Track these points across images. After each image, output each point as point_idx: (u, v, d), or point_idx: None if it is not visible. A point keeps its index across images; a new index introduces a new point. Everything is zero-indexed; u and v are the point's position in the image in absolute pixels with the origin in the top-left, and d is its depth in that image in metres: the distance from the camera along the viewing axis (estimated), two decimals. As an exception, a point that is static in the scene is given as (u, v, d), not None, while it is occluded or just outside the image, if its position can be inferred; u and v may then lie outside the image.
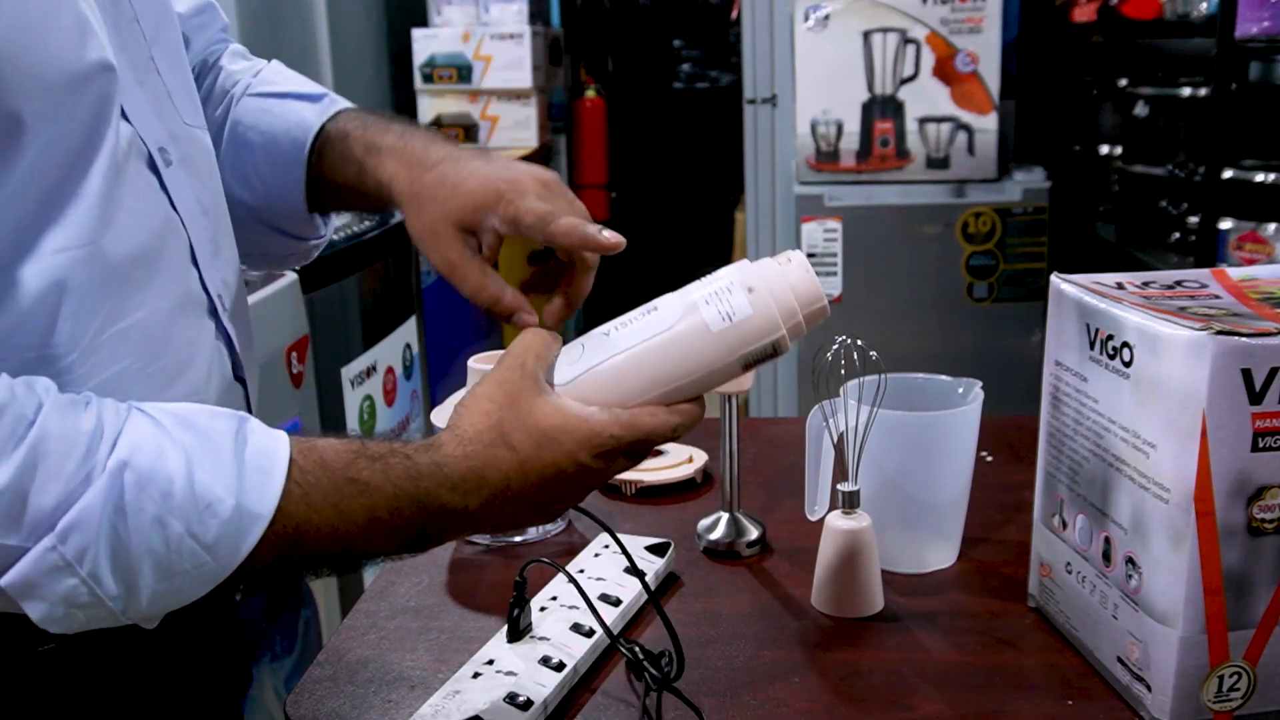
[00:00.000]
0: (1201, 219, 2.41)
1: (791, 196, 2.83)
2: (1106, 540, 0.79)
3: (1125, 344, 0.75)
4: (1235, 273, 0.82)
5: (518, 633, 0.84)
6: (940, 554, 0.98)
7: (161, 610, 0.62)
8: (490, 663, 0.81)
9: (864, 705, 0.79)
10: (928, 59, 2.70)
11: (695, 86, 5.71)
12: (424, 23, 3.54)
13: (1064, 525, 0.84)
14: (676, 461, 1.18)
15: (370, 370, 2.16)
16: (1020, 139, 3.01)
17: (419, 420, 2.43)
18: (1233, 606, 0.72)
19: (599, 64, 5.10)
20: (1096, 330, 0.78)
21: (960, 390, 0.96)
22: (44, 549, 0.57)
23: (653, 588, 0.94)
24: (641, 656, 0.80)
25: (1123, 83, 2.98)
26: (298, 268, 1.82)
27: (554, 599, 0.89)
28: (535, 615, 0.86)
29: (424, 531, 0.66)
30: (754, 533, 1.02)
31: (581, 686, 0.82)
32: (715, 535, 1.02)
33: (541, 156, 3.65)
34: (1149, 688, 0.75)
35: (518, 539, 1.06)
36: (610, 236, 0.73)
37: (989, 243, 2.74)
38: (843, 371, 0.89)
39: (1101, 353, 0.78)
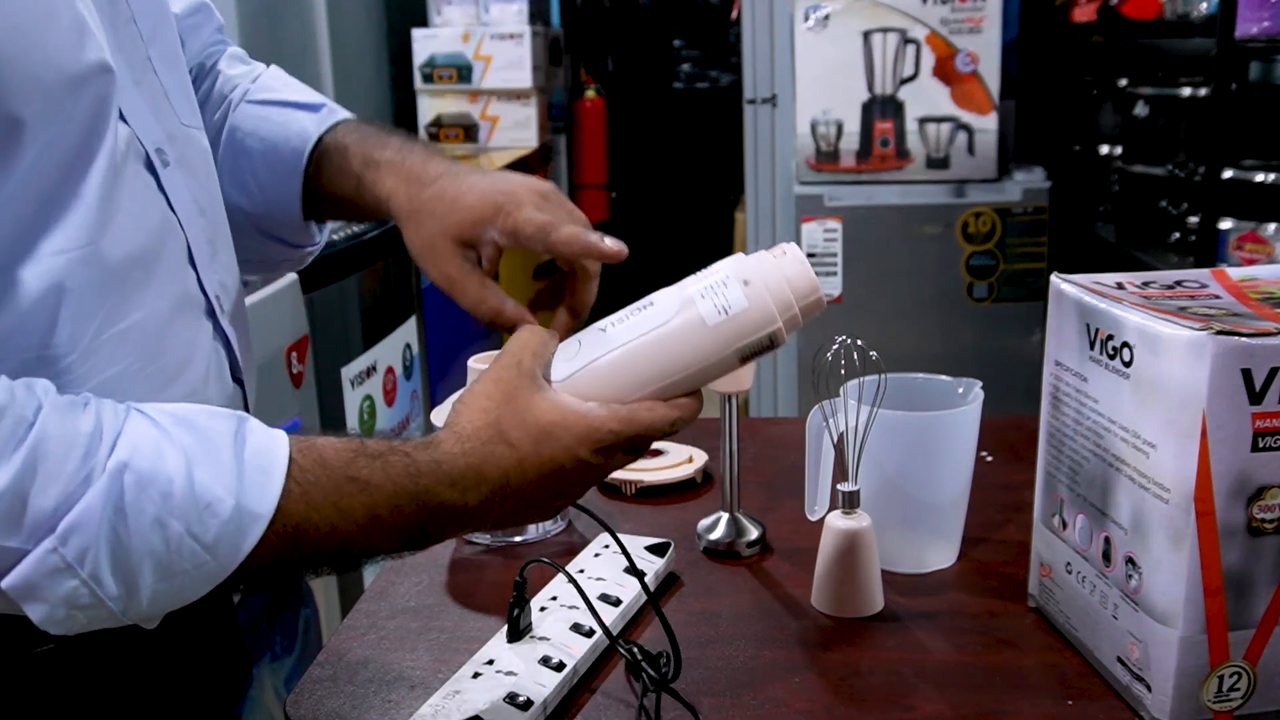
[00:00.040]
0: (1201, 219, 2.41)
1: (791, 196, 2.83)
2: (1106, 540, 0.79)
3: (1125, 344, 0.75)
4: (1235, 273, 0.82)
5: (518, 633, 0.84)
6: (940, 554, 0.98)
7: (162, 610, 0.62)
8: (490, 663, 0.81)
9: (864, 705, 0.79)
10: (928, 59, 2.70)
11: (695, 86, 5.71)
12: (424, 23, 3.54)
13: (1064, 525, 0.84)
14: (676, 461, 1.18)
15: (370, 370, 2.16)
16: (1020, 139, 3.01)
17: (419, 420, 2.43)
18: (1233, 606, 0.72)
19: (599, 64, 5.10)
20: (1096, 330, 0.78)
21: (960, 390, 0.96)
22: (45, 551, 0.57)
23: (653, 588, 0.94)
24: (640, 657, 0.80)
25: (1123, 83, 2.98)
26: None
27: (554, 599, 0.89)
28: (535, 615, 0.86)
29: (424, 529, 0.66)
30: (754, 533, 1.02)
31: (581, 686, 0.82)
32: (715, 535, 1.02)
33: (541, 156, 3.65)
34: (1149, 688, 0.75)
35: (518, 539, 1.06)
36: (612, 244, 0.73)
37: (989, 243, 2.74)
38: (843, 371, 0.89)
39: (1101, 353, 0.78)
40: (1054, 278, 0.84)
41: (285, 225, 0.93)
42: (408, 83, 3.54)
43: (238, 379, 0.81)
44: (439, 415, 0.94)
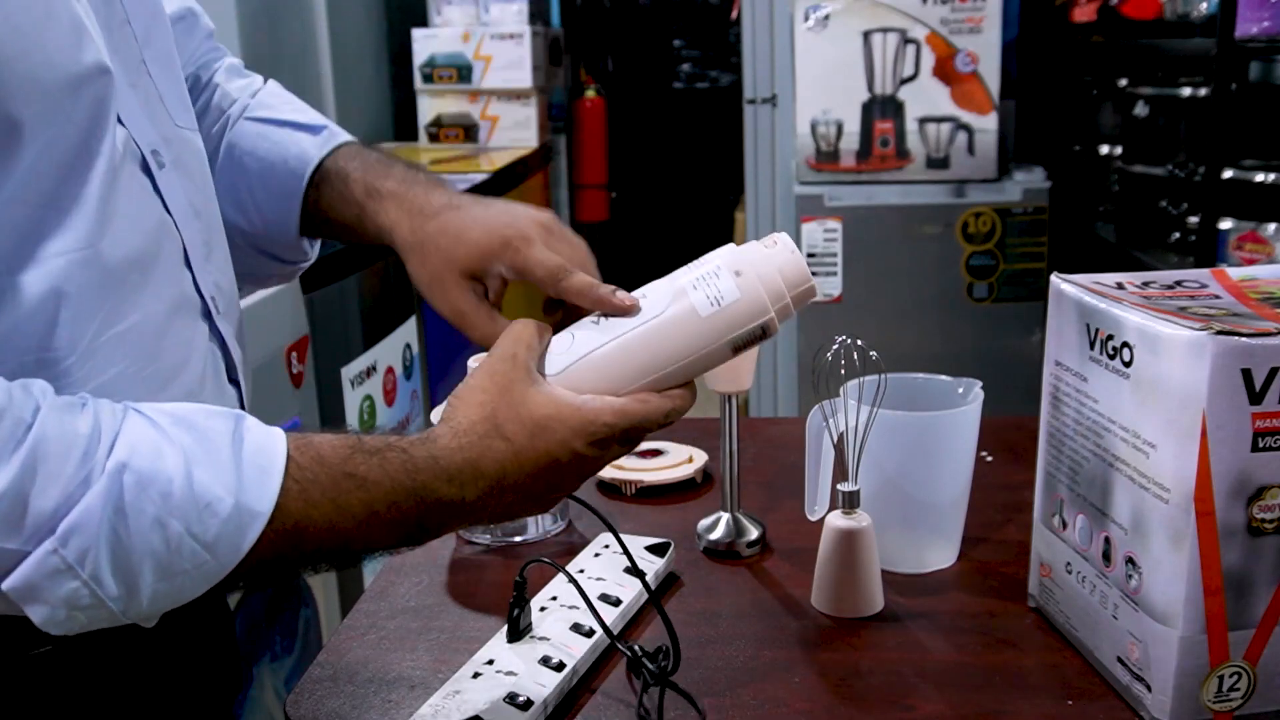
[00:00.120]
0: (1201, 219, 2.41)
1: (791, 196, 2.83)
2: (1106, 540, 0.79)
3: (1125, 344, 0.75)
4: (1235, 273, 0.82)
5: (518, 633, 0.84)
6: (940, 554, 0.98)
7: (161, 610, 0.62)
8: (490, 663, 0.81)
9: (864, 705, 0.79)
10: (928, 59, 2.70)
11: (695, 86, 5.71)
12: (424, 23, 3.54)
13: (1064, 525, 0.84)
14: (676, 461, 1.18)
15: (370, 370, 2.16)
16: (1020, 139, 3.01)
17: (419, 420, 2.43)
18: (1233, 606, 0.72)
19: (599, 64, 5.10)
20: (1096, 330, 0.78)
21: (960, 390, 0.96)
22: (45, 552, 0.57)
23: (653, 588, 0.94)
24: (640, 653, 0.80)
25: (1123, 83, 2.98)
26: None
27: (554, 599, 0.89)
28: (535, 615, 0.86)
29: (422, 524, 0.67)
30: (754, 533, 1.02)
31: (581, 686, 0.82)
32: (715, 535, 1.02)
33: (541, 156, 3.65)
34: (1149, 688, 0.75)
35: (518, 539, 1.06)
36: (623, 298, 0.73)
37: (989, 243, 2.74)
38: (843, 371, 0.89)
39: (1101, 353, 0.78)
40: (1054, 278, 0.84)
41: (280, 243, 0.93)
42: (408, 83, 3.54)
43: (234, 380, 0.81)
44: (439, 415, 0.94)
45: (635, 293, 0.73)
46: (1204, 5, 2.47)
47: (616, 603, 0.89)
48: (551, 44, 3.81)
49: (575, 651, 0.82)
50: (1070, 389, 0.82)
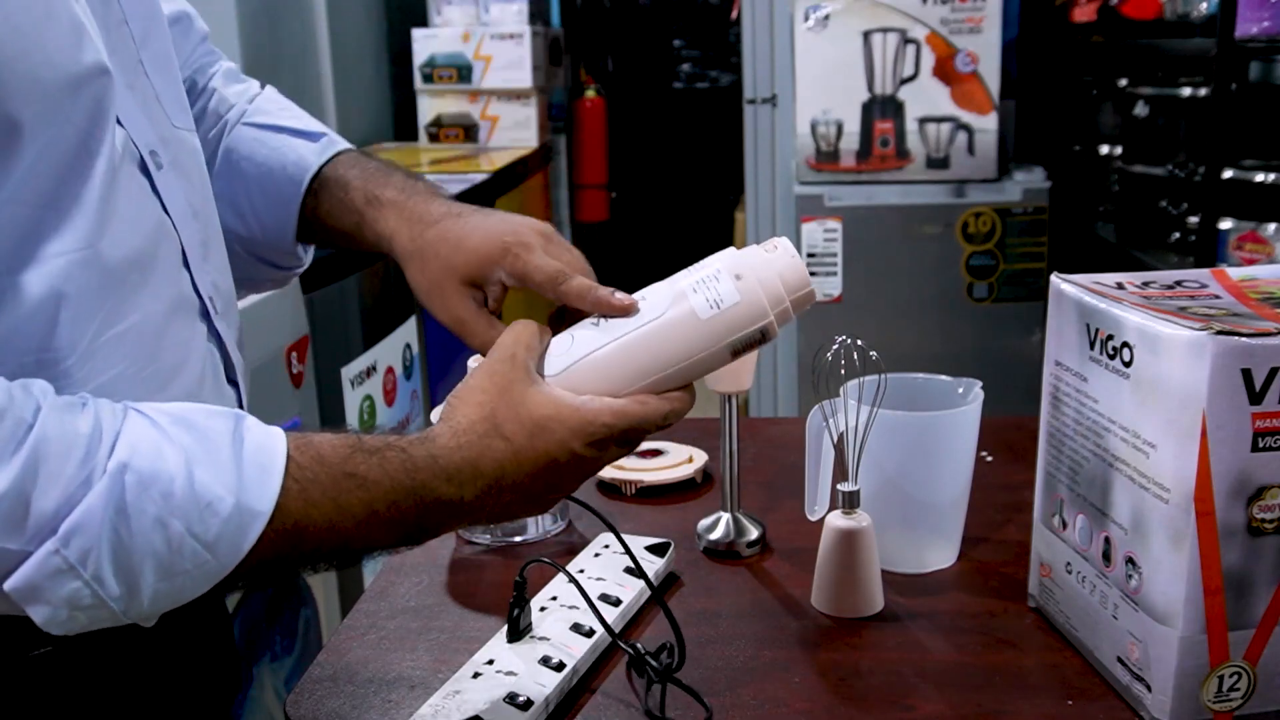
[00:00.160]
0: (1201, 219, 2.41)
1: (791, 196, 2.83)
2: (1106, 540, 0.79)
3: (1125, 344, 0.75)
4: (1235, 273, 0.82)
5: (518, 633, 0.84)
6: (940, 554, 0.98)
7: (162, 609, 0.62)
8: (490, 663, 0.81)
9: (864, 705, 0.79)
10: (928, 59, 2.70)
11: (695, 86, 5.71)
12: (424, 23, 3.54)
13: (1064, 525, 0.84)
14: (676, 461, 1.18)
15: (370, 370, 2.16)
16: (1020, 139, 3.01)
17: (419, 420, 2.43)
18: (1233, 606, 0.72)
19: (599, 64, 5.10)
20: (1096, 330, 0.78)
21: (960, 390, 0.96)
22: (47, 552, 0.57)
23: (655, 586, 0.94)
24: (643, 651, 0.80)
25: (1123, 83, 2.98)
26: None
27: (554, 599, 0.89)
28: (535, 615, 0.86)
29: (421, 524, 0.67)
30: (754, 533, 1.02)
31: (582, 686, 0.82)
32: (715, 535, 1.02)
33: (541, 156, 3.65)
34: (1149, 688, 0.75)
35: (518, 539, 1.06)
36: (623, 299, 0.73)
37: (989, 243, 2.74)
38: (843, 371, 0.89)
39: (1101, 353, 0.78)
40: (1054, 278, 0.84)
41: (276, 249, 0.93)
42: (408, 83, 3.54)
43: (233, 381, 0.81)
44: (438, 415, 0.94)
45: (635, 295, 0.73)
46: (1204, 5, 2.47)
47: (617, 603, 0.89)
48: (551, 44, 3.81)
49: (575, 651, 0.82)
50: (1070, 389, 0.82)
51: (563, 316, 0.78)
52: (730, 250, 0.74)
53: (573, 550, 1.01)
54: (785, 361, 3.00)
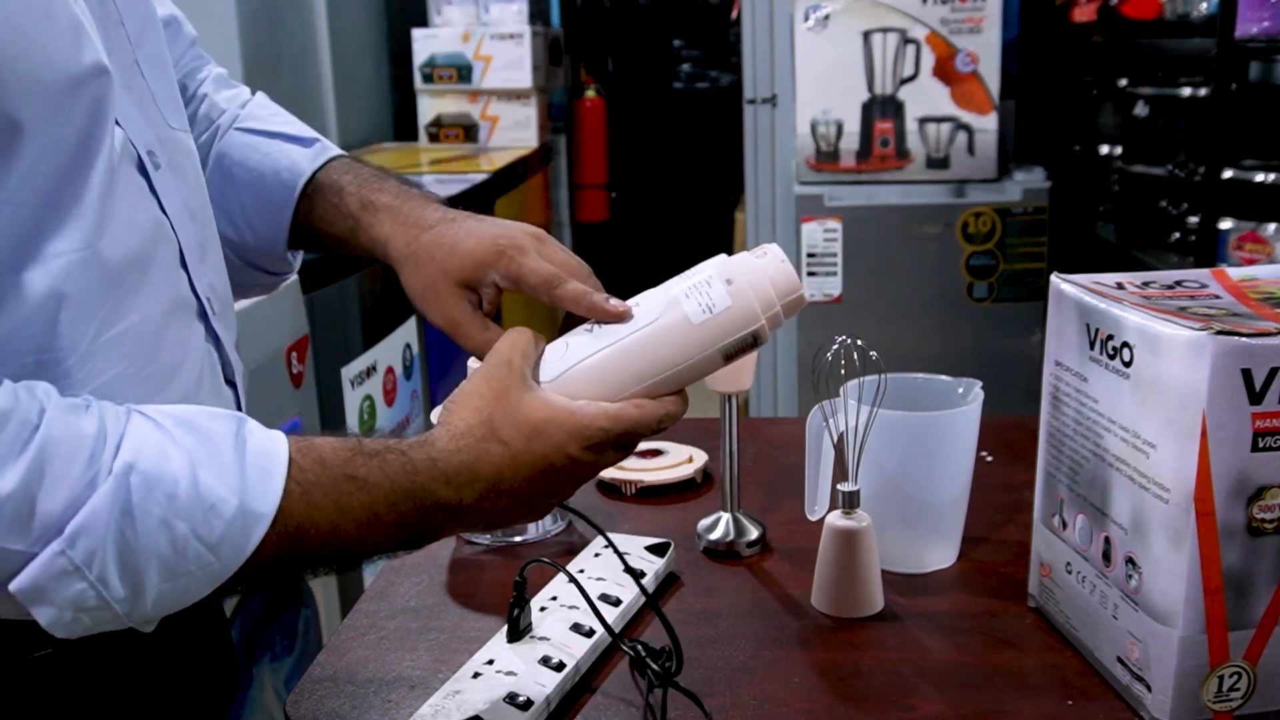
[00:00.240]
0: (1201, 219, 2.41)
1: (791, 196, 2.83)
2: (1106, 540, 0.79)
3: (1125, 344, 0.75)
4: (1235, 273, 0.82)
5: (518, 633, 0.84)
6: (940, 554, 0.98)
7: (164, 612, 0.62)
8: (490, 663, 0.81)
9: (864, 705, 0.79)
10: (928, 59, 2.70)
11: (695, 86, 5.71)
12: (424, 23, 3.54)
13: (1064, 525, 0.84)
14: (676, 461, 1.18)
15: (370, 370, 2.16)
16: (1020, 139, 3.01)
17: (419, 420, 2.43)
18: (1233, 606, 0.72)
19: (599, 64, 5.10)
20: (1096, 330, 0.78)
21: (960, 390, 0.96)
22: (52, 553, 0.57)
23: (653, 588, 0.94)
24: (644, 653, 0.80)
25: (1123, 83, 2.98)
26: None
27: (554, 599, 0.89)
28: (535, 615, 0.86)
29: (421, 527, 0.67)
30: (754, 533, 1.02)
31: (582, 686, 0.82)
32: (715, 535, 1.02)
33: (541, 156, 3.65)
34: (1149, 688, 0.75)
35: (518, 539, 1.06)
36: (616, 305, 0.74)
37: (989, 243, 2.74)
38: (843, 371, 0.89)
39: (1101, 353, 0.78)
40: (1054, 278, 0.84)
41: (267, 254, 0.94)
42: (408, 83, 3.54)
43: (231, 382, 0.82)
44: (439, 415, 0.95)
45: (628, 301, 0.74)
46: (1204, 5, 2.47)
47: (617, 603, 0.89)
48: (551, 44, 3.81)
49: (575, 651, 0.82)
50: (1070, 389, 0.82)
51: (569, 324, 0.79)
52: (721, 256, 0.75)
53: (573, 550, 1.01)
54: (785, 361, 3.00)
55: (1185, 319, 0.71)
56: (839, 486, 0.90)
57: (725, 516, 1.03)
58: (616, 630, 0.86)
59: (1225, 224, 2.35)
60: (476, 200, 2.82)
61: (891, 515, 0.94)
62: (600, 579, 0.92)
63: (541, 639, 0.84)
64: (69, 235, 0.64)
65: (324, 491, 0.63)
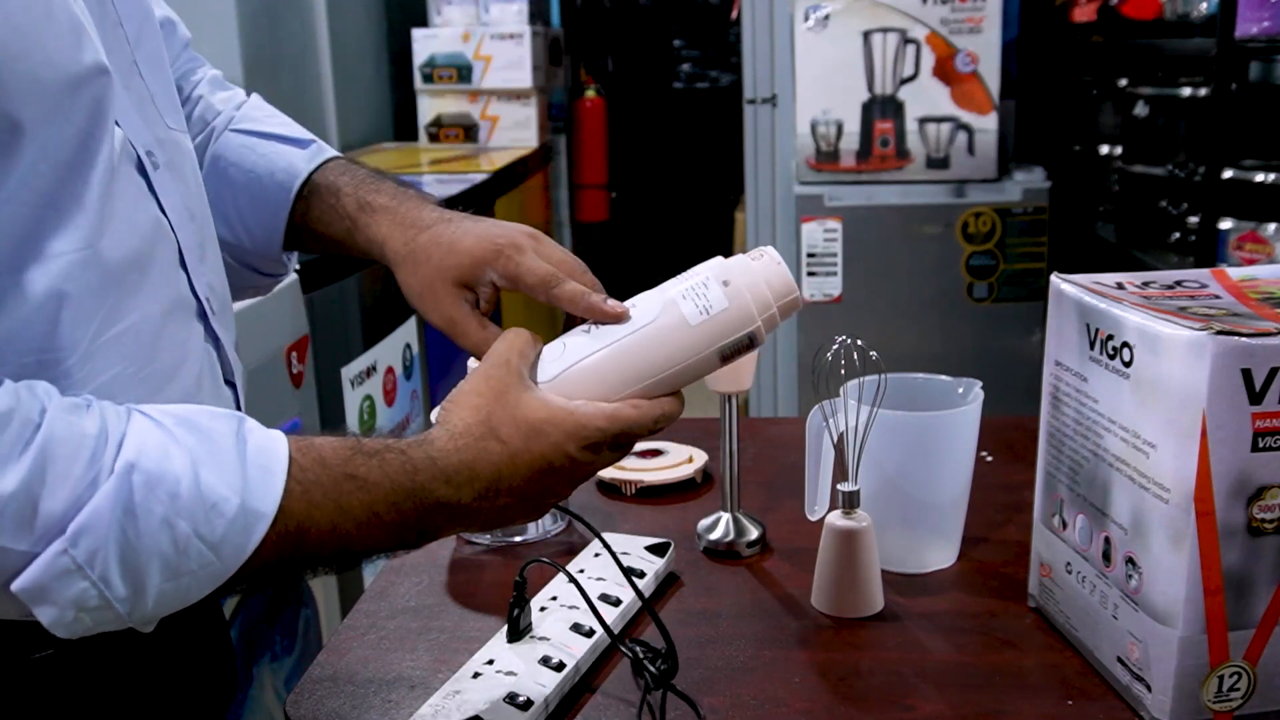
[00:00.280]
0: (1201, 219, 2.41)
1: (791, 196, 2.83)
2: (1106, 540, 0.79)
3: (1125, 344, 0.75)
4: (1235, 273, 0.82)
5: (518, 633, 0.84)
6: (940, 554, 0.98)
7: (165, 612, 0.62)
8: (490, 663, 0.81)
9: (864, 705, 0.79)
10: (928, 59, 2.70)
11: (695, 86, 5.71)
12: (424, 23, 3.54)
13: (1064, 525, 0.84)
14: (676, 461, 1.18)
15: (370, 370, 2.16)
16: (1020, 139, 3.01)
17: (419, 420, 2.43)
18: (1233, 606, 0.72)
19: (599, 64, 5.10)
20: (1096, 330, 0.78)
21: (960, 390, 0.96)
22: (55, 552, 0.57)
23: (653, 588, 0.94)
24: (643, 655, 0.80)
25: (1123, 83, 2.98)
26: (297, 269, 1.83)
27: (554, 599, 0.89)
28: (535, 615, 0.86)
29: (421, 526, 0.67)
30: (754, 533, 1.02)
31: (582, 686, 0.82)
32: (715, 535, 1.02)
33: (541, 156, 3.65)
34: (1149, 688, 0.75)
35: (518, 539, 1.06)
36: (614, 306, 0.74)
37: (989, 243, 2.74)
38: (843, 371, 0.89)
39: (1101, 353, 0.78)
40: (1054, 278, 0.84)
41: (263, 256, 0.94)
42: (408, 83, 3.54)
43: (230, 382, 0.82)
44: (437, 415, 0.95)
45: (625, 302, 0.75)
46: (1204, 5, 2.47)
47: (617, 603, 0.89)
48: (551, 44, 3.81)
49: (575, 651, 0.82)
50: (1070, 389, 0.82)
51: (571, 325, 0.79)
52: (718, 259, 0.75)
53: (573, 550, 1.01)
54: (785, 361, 3.00)
55: (1185, 319, 0.71)
56: (839, 486, 0.90)
57: (725, 516, 1.03)
58: (617, 630, 0.87)
59: (1225, 224, 2.35)
60: (476, 200, 2.82)
61: (891, 515, 0.94)
62: (600, 579, 0.92)
63: (541, 639, 0.84)
64: (69, 235, 0.64)
65: (324, 491, 0.63)
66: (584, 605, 0.82)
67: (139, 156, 0.71)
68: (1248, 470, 0.70)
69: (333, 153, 0.94)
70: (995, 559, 0.99)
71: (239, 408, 0.83)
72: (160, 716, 0.81)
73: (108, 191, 0.66)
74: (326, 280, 1.98)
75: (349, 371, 2.06)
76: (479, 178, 2.93)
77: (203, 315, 0.77)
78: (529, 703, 0.76)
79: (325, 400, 1.95)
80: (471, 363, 0.95)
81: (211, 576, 0.61)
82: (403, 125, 3.60)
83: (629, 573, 0.82)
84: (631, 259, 4.26)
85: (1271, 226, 2.30)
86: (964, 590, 0.94)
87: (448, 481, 0.66)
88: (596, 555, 0.97)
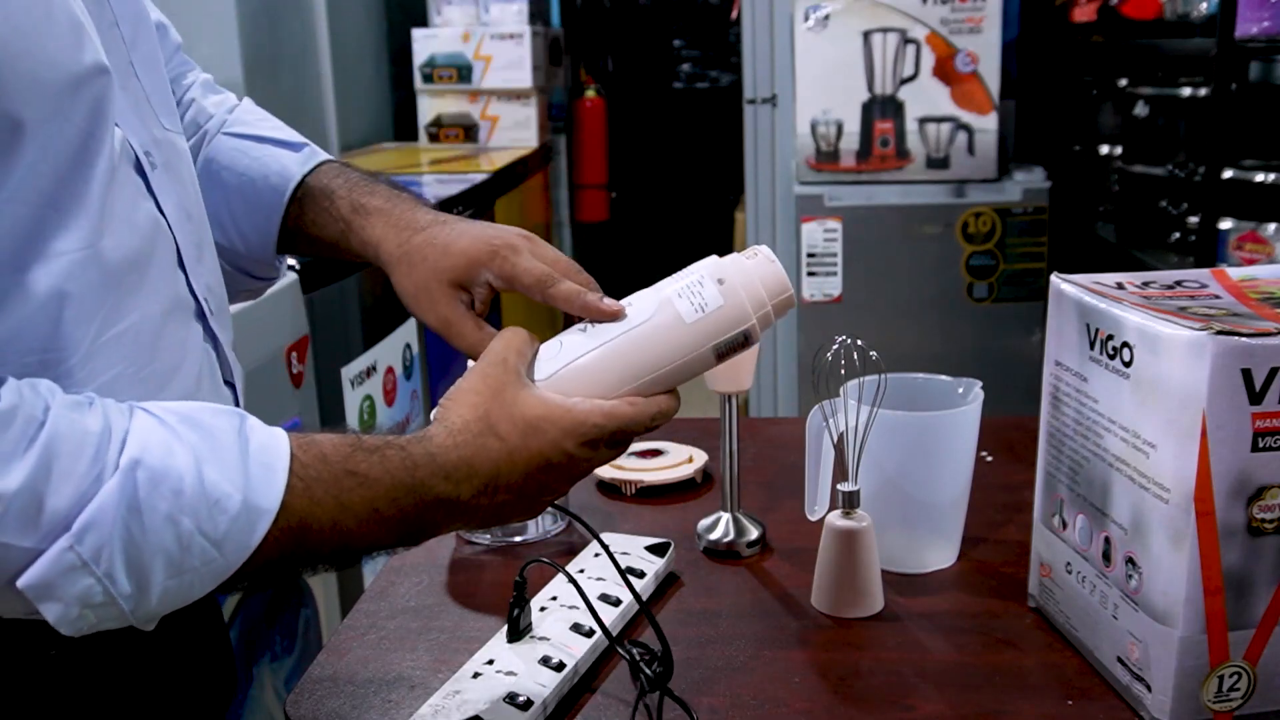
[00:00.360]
0: (1201, 219, 2.41)
1: (791, 196, 2.83)
2: (1106, 540, 0.79)
3: (1125, 344, 0.75)
4: (1235, 273, 0.82)
5: (518, 633, 0.84)
6: (940, 554, 0.98)
7: (167, 609, 0.62)
8: (490, 663, 0.81)
9: (864, 705, 0.79)
10: (928, 59, 2.70)
11: (695, 86, 5.71)
12: (424, 23, 3.54)
13: (1064, 525, 0.84)
14: (676, 461, 1.18)
15: (370, 370, 2.16)
16: (1020, 139, 3.01)
17: (419, 420, 2.43)
18: (1233, 606, 0.72)
19: (599, 64, 5.10)
20: (1096, 330, 0.78)
21: (960, 390, 0.96)
22: (60, 549, 0.57)
23: (653, 588, 0.94)
24: (639, 657, 0.80)
25: (1123, 83, 2.98)
26: (296, 269, 1.83)
27: (554, 599, 0.89)
28: (535, 615, 0.86)
29: (421, 522, 0.67)
30: (754, 533, 1.02)
31: (581, 686, 0.82)
32: (715, 535, 1.02)
33: (541, 156, 3.65)
34: (1149, 688, 0.75)
35: (518, 539, 1.06)
36: (610, 304, 0.75)
37: (989, 243, 2.74)
38: (843, 371, 0.89)
39: (1101, 353, 0.78)
40: (1054, 278, 0.84)
41: (256, 259, 0.94)
42: (408, 83, 3.54)
43: (229, 382, 0.82)
44: (436, 413, 0.95)
45: (621, 301, 0.75)
46: (1204, 5, 2.47)
47: (616, 603, 0.89)
48: (551, 44, 3.81)
49: (575, 651, 0.82)
50: (1070, 389, 0.82)
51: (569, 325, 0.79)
52: (713, 257, 0.76)
53: (573, 550, 1.01)
54: (785, 361, 3.00)
55: (1185, 319, 0.71)
56: (839, 486, 0.90)
57: (725, 516, 1.03)
58: (618, 630, 0.87)
59: (1225, 224, 2.35)
60: (476, 200, 2.82)
61: (891, 515, 0.94)
62: (600, 579, 0.92)
63: (541, 639, 0.84)
64: (71, 235, 0.64)
65: (325, 487, 0.64)
66: (584, 605, 0.82)
67: (137, 157, 0.71)
68: (1248, 470, 0.70)
69: (326, 156, 0.94)
70: (995, 559, 0.99)
71: (238, 408, 0.83)
72: (160, 716, 0.81)
73: (108, 191, 0.66)
74: (326, 280, 1.98)
75: (349, 371, 2.06)
76: (479, 178, 2.93)
77: (201, 315, 0.78)
78: (529, 703, 0.76)
79: (325, 400, 1.96)
80: (471, 361, 0.95)
81: (214, 573, 0.61)
82: (403, 125, 3.60)
83: (628, 573, 0.82)
84: (631, 259, 4.25)
85: (1271, 226, 2.30)
86: (964, 590, 0.94)
87: (447, 478, 0.66)
88: (596, 555, 0.97)
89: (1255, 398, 0.68)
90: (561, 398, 0.70)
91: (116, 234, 0.67)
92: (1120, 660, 0.78)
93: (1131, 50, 2.92)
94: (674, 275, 0.75)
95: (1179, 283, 0.81)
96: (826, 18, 2.71)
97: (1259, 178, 2.33)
